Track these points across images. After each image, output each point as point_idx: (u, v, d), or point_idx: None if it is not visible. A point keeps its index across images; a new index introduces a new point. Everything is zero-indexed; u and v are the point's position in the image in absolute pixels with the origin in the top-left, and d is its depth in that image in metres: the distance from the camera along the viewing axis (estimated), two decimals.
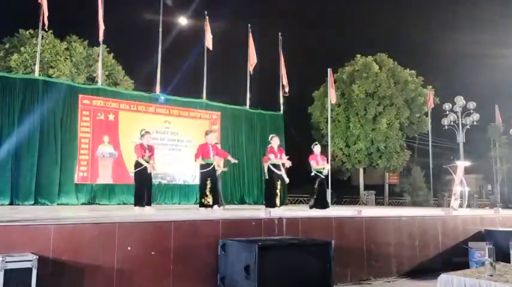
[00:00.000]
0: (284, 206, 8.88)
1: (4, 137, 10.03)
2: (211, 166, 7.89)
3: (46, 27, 11.60)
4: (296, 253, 4.84)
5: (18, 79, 10.79)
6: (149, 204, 7.80)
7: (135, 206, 7.68)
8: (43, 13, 11.23)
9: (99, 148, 11.42)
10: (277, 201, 8.41)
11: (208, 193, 7.72)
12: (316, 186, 9.01)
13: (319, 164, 9.09)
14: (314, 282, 4.78)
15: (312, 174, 9.07)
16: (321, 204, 8.93)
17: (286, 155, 8.96)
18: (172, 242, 4.78)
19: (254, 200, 13.85)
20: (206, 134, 8.20)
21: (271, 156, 8.43)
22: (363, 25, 33.79)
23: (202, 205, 7.84)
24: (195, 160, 8.03)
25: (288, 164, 8.88)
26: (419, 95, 21.94)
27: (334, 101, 18.06)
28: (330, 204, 9.80)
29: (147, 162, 7.71)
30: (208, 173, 7.82)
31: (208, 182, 7.74)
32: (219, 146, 9.00)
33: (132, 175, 8.04)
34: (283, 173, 8.66)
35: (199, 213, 7.20)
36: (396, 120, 21.39)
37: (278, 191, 8.45)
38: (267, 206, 8.08)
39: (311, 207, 8.96)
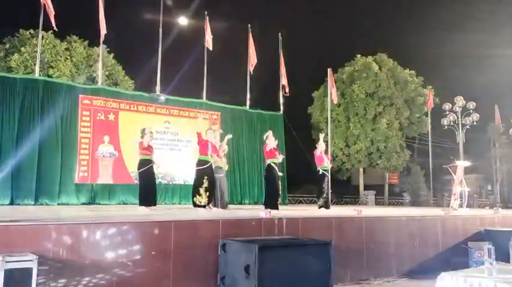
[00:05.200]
0: (283, 206, 8.74)
1: (4, 137, 10.03)
2: (209, 164, 7.60)
3: (54, 26, 11.50)
4: (296, 253, 4.84)
5: (18, 79, 10.77)
6: (154, 204, 7.72)
7: (140, 205, 7.61)
8: (48, 13, 11.17)
9: (99, 148, 11.42)
10: (278, 202, 8.14)
11: (202, 192, 7.35)
12: (324, 185, 8.84)
13: (325, 162, 8.96)
14: (314, 282, 4.78)
15: (320, 173, 8.88)
16: (328, 204, 8.85)
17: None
18: (173, 242, 4.79)
19: (254, 200, 13.83)
20: (208, 129, 8.05)
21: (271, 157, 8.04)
22: (363, 25, 33.79)
23: (194, 204, 7.44)
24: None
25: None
26: (419, 95, 21.92)
27: (335, 101, 18.02)
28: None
29: (151, 160, 7.70)
30: (205, 171, 7.50)
31: (205, 180, 7.40)
32: (217, 145, 8.77)
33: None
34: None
35: (199, 213, 7.13)
36: (396, 121, 21.38)
37: (280, 191, 8.29)
38: (271, 208, 7.39)
39: (320, 207, 8.79)
